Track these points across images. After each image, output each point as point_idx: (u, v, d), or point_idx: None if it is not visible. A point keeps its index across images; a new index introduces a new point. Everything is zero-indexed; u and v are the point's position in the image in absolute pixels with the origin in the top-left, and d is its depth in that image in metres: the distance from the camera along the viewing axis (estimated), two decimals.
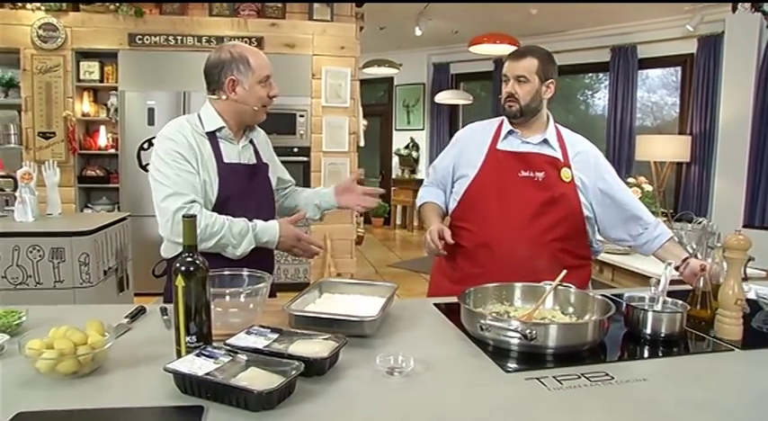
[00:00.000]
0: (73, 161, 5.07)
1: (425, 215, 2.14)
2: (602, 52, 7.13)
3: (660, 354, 1.38)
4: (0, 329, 1.29)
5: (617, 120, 6.99)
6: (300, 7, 5.36)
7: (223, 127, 1.78)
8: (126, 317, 1.48)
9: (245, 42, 4.91)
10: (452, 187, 2.12)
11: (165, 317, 1.49)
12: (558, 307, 1.56)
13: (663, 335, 1.42)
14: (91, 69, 5.10)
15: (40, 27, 4.84)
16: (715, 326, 1.48)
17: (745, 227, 5.68)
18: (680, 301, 1.51)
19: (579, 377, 1.17)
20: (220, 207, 1.74)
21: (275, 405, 1.00)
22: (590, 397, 1.09)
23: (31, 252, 3.00)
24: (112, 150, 5.26)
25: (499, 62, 7.72)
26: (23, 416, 0.95)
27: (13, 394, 1.04)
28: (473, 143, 2.08)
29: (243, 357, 1.12)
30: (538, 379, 1.16)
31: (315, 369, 1.13)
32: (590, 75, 7.91)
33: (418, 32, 6.80)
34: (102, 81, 5.15)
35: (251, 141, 1.89)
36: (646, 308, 1.46)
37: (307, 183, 5.09)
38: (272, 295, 1.72)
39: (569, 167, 1.98)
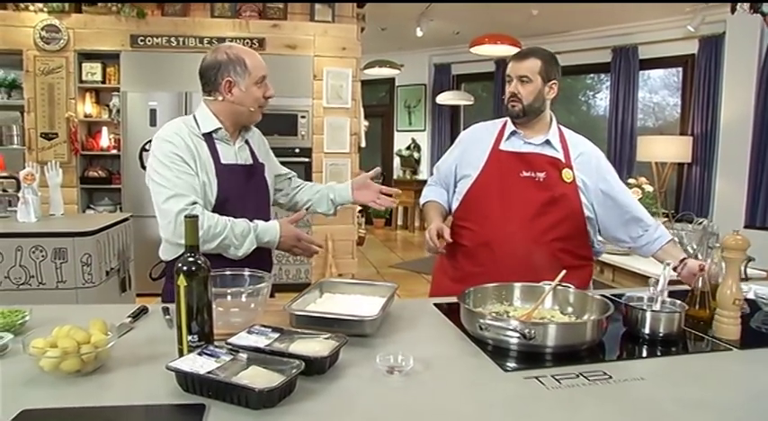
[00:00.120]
0: (75, 162, 5.09)
1: (427, 214, 2.16)
2: (603, 53, 7.14)
3: (658, 354, 1.39)
4: (4, 328, 1.30)
5: (618, 121, 7.00)
6: (302, 8, 5.37)
7: (219, 128, 1.79)
8: (128, 316, 1.49)
9: (247, 43, 4.94)
10: (455, 187, 2.13)
11: (167, 316, 1.51)
12: (557, 307, 1.57)
13: (661, 334, 1.42)
14: (93, 70, 5.13)
15: (42, 28, 4.86)
16: (713, 325, 1.48)
17: (746, 227, 5.69)
18: (678, 301, 1.51)
19: (577, 376, 1.18)
20: (219, 208, 1.75)
21: (276, 403, 1.01)
22: (588, 395, 1.10)
23: (33, 252, 3.02)
24: (114, 151, 5.28)
25: (500, 63, 7.73)
26: (28, 413, 0.96)
27: (17, 392, 1.06)
28: (476, 143, 2.10)
29: (244, 356, 1.13)
30: (536, 378, 1.17)
31: (315, 368, 1.14)
32: (591, 75, 7.91)
33: (419, 33, 6.81)
34: (104, 82, 5.18)
35: (246, 141, 1.89)
36: (644, 307, 1.47)
37: None
38: (270, 295, 1.74)
39: (571, 168, 1.99)
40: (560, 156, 1.99)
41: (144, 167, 4.99)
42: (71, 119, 4.99)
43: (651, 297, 1.52)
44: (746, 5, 2.30)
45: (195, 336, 1.18)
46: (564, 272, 1.60)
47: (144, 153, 5.02)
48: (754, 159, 5.74)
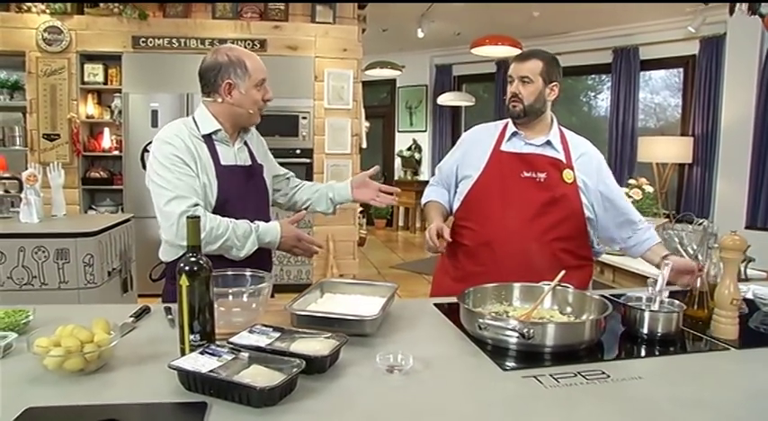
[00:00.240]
0: (77, 163, 5.11)
1: (428, 214, 2.17)
2: (604, 54, 7.14)
3: (657, 354, 1.40)
4: (8, 328, 1.32)
5: (619, 122, 7.00)
6: (303, 10, 5.39)
7: (219, 129, 1.79)
8: (131, 316, 1.50)
9: (248, 45, 4.96)
10: (456, 187, 2.15)
11: (169, 316, 1.52)
12: (556, 307, 1.58)
13: (659, 334, 1.43)
14: (95, 72, 5.14)
15: (44, 30, 4.88)
16: (712, 325, 1.49)
17: (747, 228, 5.68)
18: (676, 301, 1.53)
19: (576, 375, 1.19)
20: (219, 209, 1.76)
21: (277, 401, 1.03)
22: (585, 394, 1.11)
23: (36, 253, 3.03)
24: (116, 152, 5.29)
25: (501, 64, 7.75)
26: (33, 411, 0.98)
27: (22, 390, 1.07)
28: (478, 144, 2.12)
29: (245, 355, 1.14)
30: (535, 377, 1.18)
31: (316, 366, 1.15)
32: (593, 76, 7.92)
33: (420, 34, 6.82)
34: (106, 83, 5.19)
35: (245, 143, 1.90)
36: (643, 307, 1.48)
37: None
38: (271, 296, 1.75)
39: (572, 169, 2.01)
40: (561, 156, 2.01)
41: (145, 168, 5.00)
42: (73, 120, 5.01)
43: (650, 297, 1.53)
44: (745, 7, 2.31)
45: (197, 336, 1.20)
46: (563, 272, 1.61)
47: (145, 154, 5.03)
48: (754, 160, 5.74)
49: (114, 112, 5.28)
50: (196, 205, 1.67)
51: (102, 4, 5.04)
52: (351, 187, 2.05)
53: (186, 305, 1.19)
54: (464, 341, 1.40)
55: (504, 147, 2.05)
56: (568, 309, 1.56)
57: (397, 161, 9.53)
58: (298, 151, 5.24)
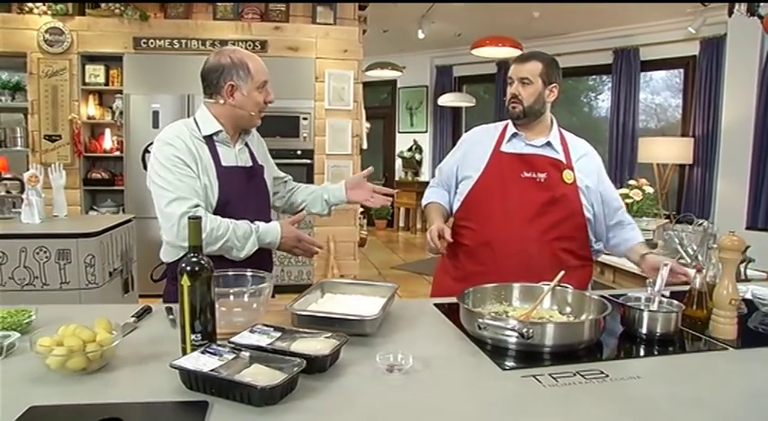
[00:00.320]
0: (78, 164, 5.12)
1: (429, 215, 2.19)
2: (604, 54, 7.15)
3: (655, 353, 1.40)
4: (11, 327, 1.32)
5: (619, 123, 7.01)
6: (304, 11, 5.40)
7: (220, 131, 1.80)
8: (132, 316, 1.51)
9: (249, 46, 4.97)
10: (456, 188, 2.16)
11: (171, 316, 1.52)
12: (555, 307, 1.59)
13: (658, 334, 1.44)
14: (96, 73, 5.16)
15: (46, 31, 4.89)
16: (710, 325, 1.50)
17: (747, 228, 5.69)
18: (675, 301, 1.53)
19: (574, 374, 1.20)
20: (221, 210, 1.76)
21: (278, 400, 1.03)
22: (584, 393, 1.12)
23: (37, 253, 3.04)
24: (117, 153, 5.31)
25: (502, 65, 7.76)
26: (36, 409, 0.99)
27: (25, 389, 1.08)
28: (478, 145, 2.13)
29: (246, 354, 1.15)
30: (534, 376, 1.18)
31: (316, 366, 1.16)
32: (593, 77, 7.93)
33: (421, 35, 6.83)
34: (107, 84, 5.21)
35: (246, 144, 1.91)
36: (642, 307, 1.48)
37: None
38: (271, 296, 1.75)
39: (572, 169, 2.03)
40: (561, 157, 2.03)
41: (146, 169, 5.01)
42: (74, 121, 5.02)
43: (649, 297, 1.54)
44: (743, 8, 2.32)
45: (198, 335, 1.20)
46: (562, 272, 1.62)
47: (147, 155, 5.04)
48: (755, 161, 5.74)
49: (115, 113, 5.30)
50: (197, 206, 1.67)
51: (103, 5, 5.06)
52: (345, 188, 2.06)
53: (188, 305, 1.19)
54: (464, 341, 1.41)
55: (505, 147, 2.07)
56: (568, 309, 1.57)
57: (398, 162, 9.54)
58: (298, 152, 5.25)
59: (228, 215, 1.74)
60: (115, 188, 5.30)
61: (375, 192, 2.04)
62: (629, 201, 3.67)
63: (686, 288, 1.68)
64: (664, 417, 1.04)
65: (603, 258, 3.45)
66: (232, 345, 1.19)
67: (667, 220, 4.55)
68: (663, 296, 1.56)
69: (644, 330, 1.45)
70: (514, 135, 2.07)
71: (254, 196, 1.88)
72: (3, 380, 1.11)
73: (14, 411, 0.97)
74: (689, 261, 2.80)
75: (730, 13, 2.62)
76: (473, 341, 1.39)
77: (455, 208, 2.15)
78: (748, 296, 1.78)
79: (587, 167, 2.07)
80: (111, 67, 5.20)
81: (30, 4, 4.93)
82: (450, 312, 1.61)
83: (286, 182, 2.16)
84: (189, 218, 1.24)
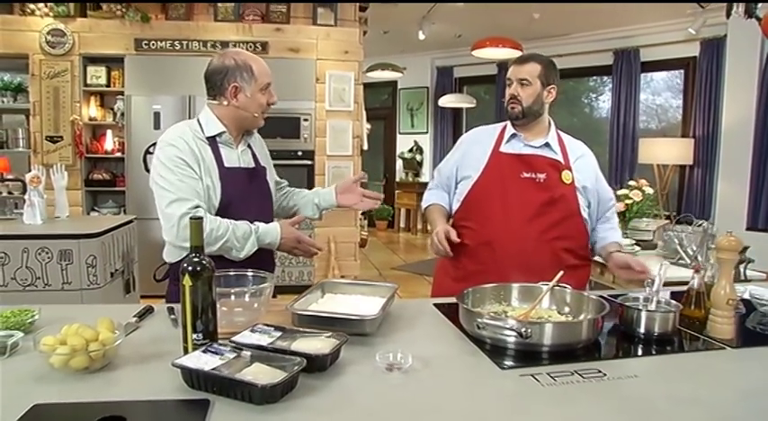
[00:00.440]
0: (80, 165, 5.14)
1: (431, 217, 2.20)
2: (604, 55, 7.16)
3: (653, 353, 1.41)
4: (14, 327, 1.34)
5: (620, 123, 7.02)
6: (305, 12, 5.42)
7: (224, 132, 1.81)
8: (134, 316, 1.52)
9: (250, 47, 4.99)
10: (456, 188, 2.18)
11: (172, 316, 1.54)
12: (554, 307, 1.60)
13: (656, 334, 1.45)
14: (98, 74, 5.18)
15: (48, 33, 4.91)
16: (708, 325, 1.51)
17: (748, 229, 5.69)
18: (673, 301, 1.54)
19: (572, 374, 1.21)
20: (223, 211, 1.78)
21: (278, 398, 1.04)
22: (581, 392, 1.13)
23: (39, 254, 3.06)
24: (119, 154, 5.33)
25: (502, 66, 7.76)
26: (39, 407, 1.00)
27: (29, 387, 1.09)
28: (477, 145, 2.15)
29: (247, 353, 1.16)
30: (532, 375, 1.19)
31: (316, 365, 1.17)
32: (594, 78, 7.94)
33: (422, 36, 6.84)
34: (108, 86, 5.23)
35: (249, 145, 1.93)
36: (640, 307, 1.49)
37: (311, 187, 5.11)
38: (273, 296, 1.76)
39: (570, 170, 2.05)
40: (559, 157, 2.06)
41: (148, 170, 5.03)
42: (76, 122, 5.04)
43: (647, 297, 1.55)
44: (741, 10, 2.33)
45: (200, 335, 1.22)
46: (561, 272, 1.63)
47: (148, 156, 5.06)
48: (755, 161, 5.75)
49: (117, 115, 5.32)
50: (197, 207, 1.69)
51: (104, 7, 5.08)
52: (335, 193, 2.08)
53: (189, 304, 1.21)
54: (463, 340, 1.42)
55: (504, 148, 2.09)
56: (566, 309, 1.58)
57: (399, 163, 9.55)
58: (299, 153, 5.27)
59: (231, 216, 1.75)
60: (116, 189, 5.32)
61: (365, 197, 2.07)
62: (628, 201, 3.68)
63: (685, 288, 1.69)
64: (661, 416, 1.05)
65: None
66: (233, 345, 1.21)
67: (668, 221, 4.56)
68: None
69: (642, 330, 1.46)
70: (513, 136, 2.09)
71: (256, 197, 1.90)
72: (7, 379, 1.13)
73: (19, 409, 0.98)
74: (688, 261, 2.82)
75: (728, 14, 2.63)
76: (472, 341, 1.40)
77: (454, 208, 2.16)
78: (746, 296, 1.79)
79: (585, 168, 2.10)
80: (113, 69, 5.23)
81: (32, 6, 4.95)
82: (450, 312, 1.62)
83: (282, 187, 2.18)
84: (190, 218, 1.25)
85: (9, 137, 5.18)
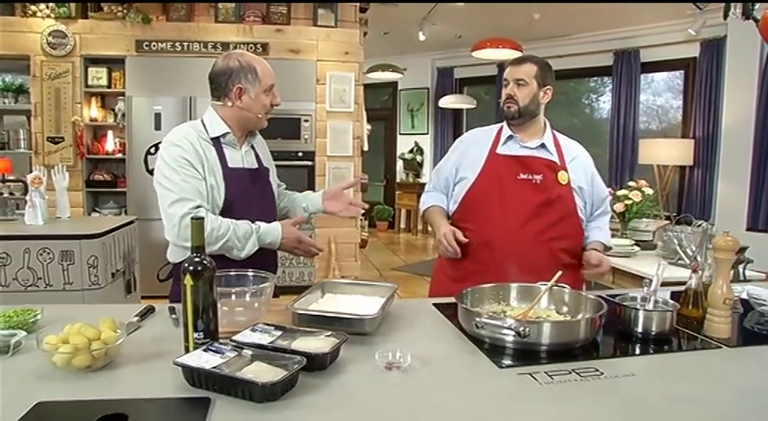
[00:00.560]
0: (81, 165, 5.15)
1: (433, 219, 2.21)
2: (605, 56, 7.17)
3: (651, 352, 1.42)
4: (17, 326, 1.35)
5: (620, 124, 7.02)
6: (305, 13, 5.43)
7: (228, 133, 1.83)
8: (136, 315, 1.54)
9: (251, 48, 5.00)
10: (453, 190, 2.19)
11: (173, 316, 1.55)
12: (552, 306, 1.61)
13: (653, 333, 1.46)
14: (99, 75, 5.19)
15: (49, 34, 4.93)
16: (705, 324, 1.52)
17: (748, 230, 5.70)
18: (671, 301, 1.56)
19: (570, 372, 1.22)
20: (226, 211, 1.79)
21: (278, 396, 1.06)
22: (579, 390, 1.14)
23: (41, 254, 3.07)
24: (120, 155, 5.34)
25: (502, 67, 7.76)
26: (43, 405, 1.01)
27: (32, 386, 1.10)
28: (474, 146, 2.17)
29: (248, 352, 1.17)
30: (530, 374, 1.21)
31: (316, 363, 1.18)
32: (595, 78, 7.95)
33: (422, 37, 6.86)
34: (109, 87, 5.24)
35: (252, 146, 1.95)
36: (637, 307, 1.50)
37: (311, 188, 5.14)
38: (275, 295, 1.78)
39: (566, 170, 2.07)
40: (555, 158, 2.08)
41: (149, 171, 5.05)
42: (77, 123, 5.05)
43: (644, 297, 1.56)
44: (738, 11, 2.34)
45: (201, 334, 1.23)
46: (560, 272, 1.64)
47: (149, 157, 5.07)
48: (755, 162, 5.76)
49: (118, 115, 5.33)
50: (198, 207, 1.70)
51: (105, 8, 5.09)
52: (322, 198, 2.11)
53: (190, 304, 1.22)
54: (462, 340, 1.43)
55: (500, 149, 2.10)
56: (565, 309, 1.59)
57: (399, 163, 9.57)
58: (300, 154, 5.28)
59: (234, 216, 1.77)
60: (117, 190, 5.34)
61: (351, 204, 2.08)
62: (628, 202, 3.69)
63: (683, 288, 1.70)
64: (658, 414, 1.06)
65: None
66: (234, 344, 1.22)
67: (668, 222, 4.57)
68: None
69: (639, 329, 1.47)
70: (510, 137, 2.11)
71: (258, 198, 1.91)
72: (11, 377, 1.14)
73: (22, 406, 1.00)
74: (688, 262, 2.83)
75: (725, 15, 2.64)
76: (471, 340, 1.41)
77: (452, 209, 2.18)
78: (744, 296, 1.80)
79: (581, 168, 2.12)
80: (114, 70, 5.24)
81: (33, 7, 4.96)
82: (449, 312, 1.63)
83: (279, 188, 2.20)
84: (192, 218, 1.26)
85: (10, 138, 5.19)
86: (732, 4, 2.60)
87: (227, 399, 1.06)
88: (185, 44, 5.10)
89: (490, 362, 1.28)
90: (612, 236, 3.53)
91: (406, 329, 1.51)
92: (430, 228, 2.12)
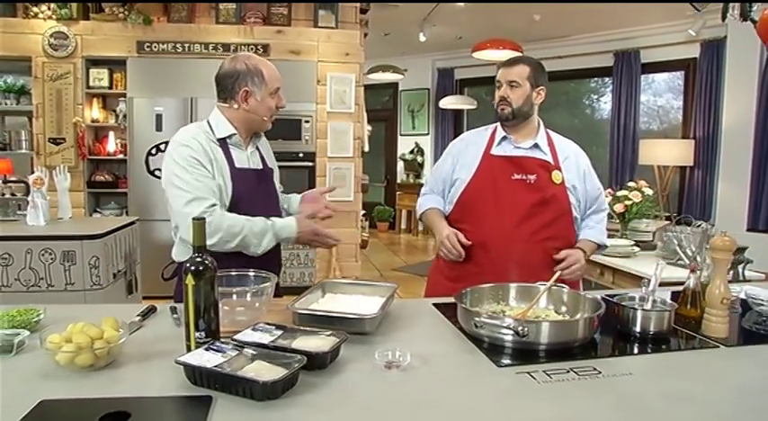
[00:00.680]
0: (82, 166, 5.17)
1: (431, 221, 2.22)
2: (605, 57, 7.18)
3: (648, 351, 1.43)
4: (20, 326, 1.36)
5: (621, 125, 7.03)
6: (306, 14, 5.44)
7: (234, 134, 1.85)
8: (138, 315, 1.55)
9: (252, 49, 5.01)
10: (449, 191, 2.20)
11: (175, 315, 1.56)
12: (551, 306, 1.62)
13: (651, 332, 1.47)
14: (100, 76, 5.20)
15: (51, 35, 4.94)
16: (702, 324, 1.53)
17: (748, 230, 5.71)
18: (669, 300, 1.57)
19: (568, 371, 1.23)
20: (232, 210, 1.81)
21: (279, 395, 1.07)
22: (576, 389, 1.15)
23: (43, 255, 3.08)
24: (121, 156, 5.35)
25: None
26: (46, 403, 1.02)
27: (35, 384, 1.12)
28: (469, 147, 2.19)
29: (249, 351, 1.18)
30: (528, 373, 1.22)
31: (317, 362, 1.19)
32: (595, 79, 7.96)
33: (422, 38, 6.87)
34: (111, 88, 5.25)
35: (257, 147, 1.97)
36: (635, 307, 1.51)
37: (312, 188, 5.14)
38: (278, 295, 1.79)
39: (560, 169, 2.09)
40: (549, 158, 2.10)
41: (150, 172, 5.07)
42: (78, 124, 5.07)
43: (643, 296, 1.57)
44: (736, 13, 2.35)
45: (202, 333, 1.24)
46: (559, 272, 1.66)
47: (150, 157, 5.09)
48: (755, 162, 5.76)
49: (119, 116, 5.34)
50: (213, 206, 1.72)
51: (106, 9, 5.11)
52: (300, 201, 2.14)
53: (192, 304, 1.23)
54: (461, 339, 1.44)
55: (495, 150, 2.12)
56: (563, 309, 1.60)
57: (400, 164, 9.58)
58: (300, 155, 5.29)
59: (240, 214, 1.78)
60: (119, 190, 5.35)
61: (326, 208, 2.09)
62: (628, 202, 3.70)
63: (681, 288, 1.72)
64: (654, 412, 1.07)
65: (603, 259, 3.48)
66: (235, 343, 1.23)
67: (668, 222, 4.57)
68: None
69: (637, 329, 1.48)
70: (503, 138, 2.13)
71: (263, 198, 1.94)
72: (14, 376, 1.15)
73: (26, 405, 1.01)
74: (687, 262, 2.83)
75: (723, 17, 2.65)
76: (470, 339, 1.42)
77: (447, 210, 2.19)
78: (742, 296, 1.81)
79: (573, 167, 2.12)
80: (115, 71, 5.25)
81: (35, 9, 4.98)
82: (448, 312, 1.64)
83: None
84: (193, 219, 1.28)
85: (12, 139, 5.21)
86: (730, 6, 2.60)
87: (229, 398, 1.07)
88: (186, 45, 5.12)
89: (489, 361, 1.29)
90: (612, 236, 3.55)
91: (406, 329, 1.52)
92: (432, 231, 2.14)
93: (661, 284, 1.61)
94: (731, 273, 2.91)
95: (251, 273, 1.60)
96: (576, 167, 2.12)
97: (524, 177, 2.05)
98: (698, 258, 2.02)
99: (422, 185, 9.48)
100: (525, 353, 1.33)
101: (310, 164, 5.33)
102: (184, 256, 1.81)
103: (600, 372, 1.23)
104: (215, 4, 5.27)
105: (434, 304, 1.75)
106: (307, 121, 5.29)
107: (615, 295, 1.65)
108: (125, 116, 5.20)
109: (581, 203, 2.12)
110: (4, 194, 4.49)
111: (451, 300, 1.57)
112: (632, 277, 3.47)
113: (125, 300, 3.55)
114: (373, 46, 6.79)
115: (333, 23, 5.39)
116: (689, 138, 6.44)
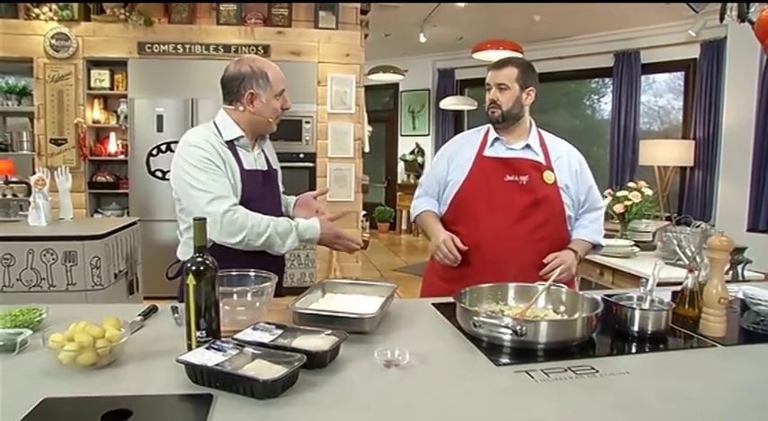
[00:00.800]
0: (84, 167, 5.19)
1: (427, 224, 2.22)
2: (605, 57, 7.19)
3: (646, 350, 1.44)
4: (23, 325, 1.37)
5: (621, 125, 7.04)
6: (306, 15, 5.46)
7: (242, 136, 1.87)
8: (139, 315, 1.56)
9: (252, 50, 5.02)
10: (443, 193, 2.21)
11: (176, 315, 1.57)
12: (550, 306, 1.63)
13: (649, 332, 1.48)
14: (101, 77, 5.22)
15: (52, 37, 4.96)
16: (700, 324, 1.54)
17: (749, 231, 5.71)
18: (666, 300, 1.57)
19: (566, 370, 1.24)
20: None
21: (279, 393, 1.08)
22: (574, 387, 1.16)
23: (44, 255, 3.09)
24: (122, 156, 5.36)
25: None
26: (49, 401, 1.04)
27: (38, 382, 1.13)
28: (463, 148, 2.19)
29: (249, 350, 1.20)
30: (527, 372, 1.23)
31: (317, 361, 1.20)
32: (596, 80, 7.96)
33: (423, 39, 6.88)
34: (112, 89, 5.27)
35: (262, 149, 1.98)
36: (633, 306, 1.52)
37: (312, 189, 5.16)
38: (281, 295, 1.80)
39: (551, 170, 2.09)
40: (541, 158, 2.10)
41: (151, 172, 5.08)
42: (80, 125, 5.09)
43: (641, 296, 1.58)
44: (734, 14, 2.36)
45: (203, 332, 1.25)
46: (558, 272, 1.66)
47: (151, 158, 5.10)
48: (755, 163, 5.77)
49: (120, 117, 5.36)
50: (235, 204, 1.74)
51: (108, 11, 5.12)
52: (294, 204, 2.14)
53: (193, 303, 1.24)
54: (460, 338, 1.45)
55: (487, 152, 2.13)
56: (562, 308, 1.61)
57: (400, 165, 9.59)
58: (301, 155, 5.30)
59: None
60: (120, 191, 5.36)
61: (317, 212, 2.07)
62: (627, 203, 3.70)
63: (680, 287, 1.73)
64: (651, 411, 1.08)
65: (602, 260, 3.49)
66: (236, 342, 1.24)
67: (668, 222, 4.58)
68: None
69: (635, 328, 1.49)
70: (496, 140, 2.13)
71: (269, 199, 1.96)
72: (17, 375, 1.16)
73: (29, 403, 1.02)
74: (687, 262, 2.84)
75: (721, 18, 2.65)
76: (469, 338, 1.43)
77: (442, 211, 2.20)
78: (740, 296, 1.82)
79: (566, 166, 2.12)
80: (116, 72, 5.27)
81: (36, 10, 5.00)
82: (448, 311, 1.65)
83: None
84: (194, 219, 1.29)
85: (14, 139, 5.22)
86: (728, 7, 2.61)
87: (229, 396, 1.08)
88: (187, 46, 5.13)
89: (487, 360, 1.30)
90: (612, 236, 3.56)
91: (405, 328, 1.53)
92: (428, 234, 2.14)
93: (661, 284, 1.63)
94: (730, 273, 2.92)
95: (251, 273, 1.61)
96: (568, 167, 2.12)
97: (517, 178, 2.05)
98: (697, 259, 2.03)
99: None
100: (524, 352, 1.34)
101: (311, 164, 5.34)
102: (188, 255, 1.82)
103: (598, 371, 1.24)
104: (216, 5, 5.28)
105: (433, 304, 1.76)
106: (307, 122, 5.31)
107: (613, 295, 1.65)
108: (126, 117, 5.22)
109: (575, 202, 2.12)
110: (5, 195, 4.51)
111: (450, 299, 1.58)
112: (632, 277, 3.48)
113: (126, 301, 3.56)
114: (374, 47, 6.80)
115: (333, 24, 5.40)
116: (689, 139, 6.45)
